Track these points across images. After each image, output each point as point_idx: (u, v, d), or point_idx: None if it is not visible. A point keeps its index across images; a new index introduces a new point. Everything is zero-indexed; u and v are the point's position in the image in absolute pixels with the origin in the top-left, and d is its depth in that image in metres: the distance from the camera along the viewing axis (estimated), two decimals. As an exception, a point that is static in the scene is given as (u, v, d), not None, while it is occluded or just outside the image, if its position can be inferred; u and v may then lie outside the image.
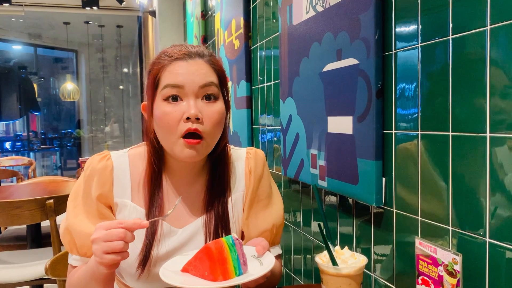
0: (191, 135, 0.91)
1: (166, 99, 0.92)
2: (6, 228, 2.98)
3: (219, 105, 0.95)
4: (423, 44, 0.92)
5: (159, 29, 4.33)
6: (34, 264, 2.15)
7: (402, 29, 0.99)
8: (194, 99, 0.91)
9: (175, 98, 0.92)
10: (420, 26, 0.93)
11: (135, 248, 0.94)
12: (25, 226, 2.50)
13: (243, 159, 1.07)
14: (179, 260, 0.89)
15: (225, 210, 1.02)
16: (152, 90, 0.95)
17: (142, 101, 1.02)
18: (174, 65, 0.92)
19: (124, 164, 1.01)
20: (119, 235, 0.79)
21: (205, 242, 0.99)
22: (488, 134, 0.77)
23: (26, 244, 2.51)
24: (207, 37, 3.25)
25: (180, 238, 0.98)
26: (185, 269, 0.85)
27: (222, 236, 1.00)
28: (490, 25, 0.76)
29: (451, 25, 0.84)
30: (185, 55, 0.93)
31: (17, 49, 8.96)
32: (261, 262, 0.87)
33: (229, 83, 2.42)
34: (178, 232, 0.99)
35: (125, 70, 9.79)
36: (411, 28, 0.96)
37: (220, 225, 1.00)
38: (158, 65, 0.94)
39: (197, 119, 0.90)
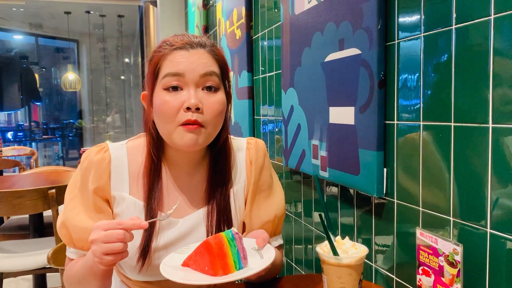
0: (191, 124, 0.89)
1: (166, 89, 0.90)
2: (8, 217, 3.00)
3: (220, 95, 0.93)
4: (426, 34, 0.91)
5: (161, 19, 4.31)
6: (37, 253, 2.17)
7: (405, 18, 0.98)
8: (195, 89, 0.90)
9: (175, 88, 0.90)
10: (423, 16, 0.92)
11: (135, 240, 0.92)
12: (27, 215, 2.52)
13: (244, 150, 1.06)
14: (178, 255, 0.89)
15: (227, 201, 1.01)
16: (152, 79, 0.93)
17: (143, 91, 1.01)
18: (175, 54, 0.91)
19: (122, 156, 0.99)
20: (118, 237, 0.79)
21: (207, 234, 0.99)
22: (490, 125, 0.76)
23: (28, 233, 2.52)
24: (208, 27, 3.24)
25: (180, 229, 0.98)
26: (185, 264, 0.85)
27: (224, 228, 0.99)
28: (494, 14, 0.75)
29: (454, 14, 0.84)
30: (186, 45, 0.92)
31: (18, 39, 8.94)
32: (261, 255, 0.87)
33: (231, 73, 2.41)
34: (178, 223, 0.98)
35: (127, 60, 9.76)
36: (414, 17, 0.95)
37: (222, 217, 0.99)
38: (159, 54, 0.93)
39: (197, 109, 0.89)
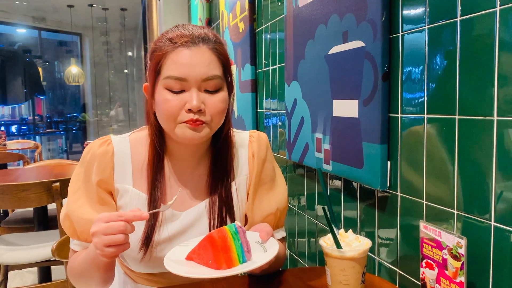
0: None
1: (168, 89, 0.90)
2: (13, 210, 3.02)
3: (222, 94, 0.93)
4: (430, 26, 0.91)
5: (163, 12, 4.30)
6: (41, 246, 2.18)
7: (410, 10, 0.97)
8: (197, 91, 0.90)
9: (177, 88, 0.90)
10: (427, 8, 0.91)
11: (137, 231, 0.94)
12: (31, 208, 2.53)
13: (246, 143, 1.07)
14: (182, 248, 0.90)
15: (229, 193, 1.01)
16: (154, 76, 0.93)
17: (145, 82, 1.01)
18: (177, 53, 0.89)
19: (125, 149, 0.99)
20: (119, 228, 0.79)
21: (209, 226, 0.99)
22: (495, 118, 0.76)
23: (33, 226, 2.54)
24: (211, 20, 3.22)
25: (183, 221, 0.98)
26: (189, 257, 0.86)
27: (226, 220, 1.00)
28: (499, 6, 0.74)
29: (459, 6, 0.83)
30: (188, 42, 0.90)
31: (21, 33, 8.94)
32: (265, 248, 0.87)
33: (234, 67, 2.40)
34: (181, 216, 0.98)
35: (130, 53, 9.75)
36: (418, 9, 0.94)
37: (224, 209, 1.00)
38: (161, 51, 0.91)
39: (199, 110, 0.89)
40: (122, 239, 0.79)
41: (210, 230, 0.99)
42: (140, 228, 0.94)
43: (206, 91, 0.91)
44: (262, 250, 0.87)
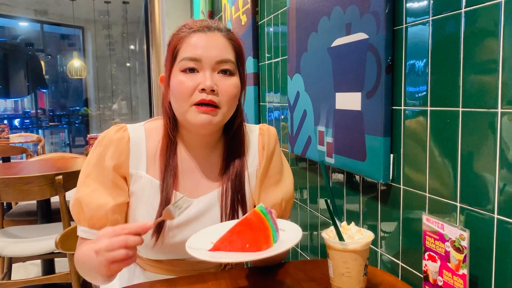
0: (205, 104, 0.93)
1: (183, 71, 0.94)
2: (17, 203, 3.03)
3: (235, 79, 0.97)
4: (434, 17, 0.90)
5: (166, 4, 4.28)
6: (45, 238, 2.19)
7: (413, 2, 0.96)
8: (211, 72, 0.94)
9: (191, 69, 0.94)
10: (431, 0, 0.91)
11: (150, 217, 0.96)
12: (35, 201, 2.54)
13: (257, 136, 1.10)
14: (200, 236, 0.88)
15: (242, 183, 1.04)
16: (171, 61, 0.97)
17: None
18: (193, 37, 0.95)
19: (140, 136, 1.02)
20: (119, 244, 0.76)
21: (221, 214, 1.01)
22: (499, 110, 0.76)
23: (36, 219, 2.55)
24: (214, 13, 3.21)
25: (195, 208, 1.00)
26: (216, 248, 0.83)
27: (238, 209, 1.02)
28: (504, -3, 0.74)
29: (464, -3, 0.82)
30: (204, 28, 0.95)
31: (23, 26, 8.92)
32: (282, 229, 0.88)
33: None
34: (193, 203, 1.00)
35: (132, 47, 9.74)
36: (422, 1, 0.93)
37: (236, 198, 1.02)
38: (178, 36, 0.97)
39: (212, 91, 0.92)
40: (123, 254, 0.76)
41: (221, 219, 1.01)
42: (152, 213, 0.96)
43: (220, 74, 0.95)
44: (281, 232, 0.87)
